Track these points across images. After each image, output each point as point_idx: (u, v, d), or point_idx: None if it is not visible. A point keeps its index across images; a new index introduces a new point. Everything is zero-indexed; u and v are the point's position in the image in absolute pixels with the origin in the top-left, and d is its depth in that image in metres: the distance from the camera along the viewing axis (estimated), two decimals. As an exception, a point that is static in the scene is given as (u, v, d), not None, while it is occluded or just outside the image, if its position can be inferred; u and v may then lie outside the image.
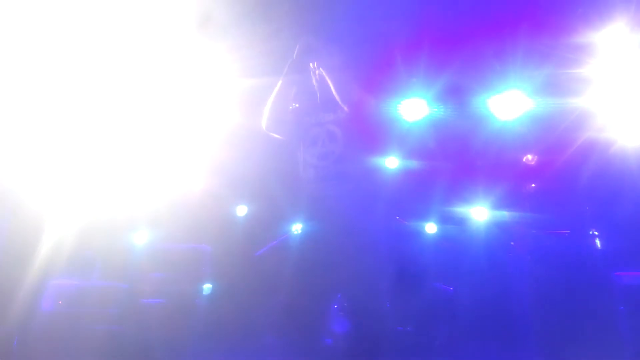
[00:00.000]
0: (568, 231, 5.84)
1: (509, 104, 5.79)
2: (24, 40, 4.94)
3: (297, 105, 3.57)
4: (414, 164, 5.97)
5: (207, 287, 6.21)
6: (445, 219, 6.49)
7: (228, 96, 6.03)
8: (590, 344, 4.98)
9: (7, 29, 4.80)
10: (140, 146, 6.13)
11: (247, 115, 5.93)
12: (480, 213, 6.42)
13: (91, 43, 5.23)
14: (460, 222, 6.46)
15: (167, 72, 5.75)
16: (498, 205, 6.31)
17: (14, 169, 5.43)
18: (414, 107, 5.86)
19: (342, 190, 3.15)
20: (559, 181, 5.91)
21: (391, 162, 5.70)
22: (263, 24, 5.31)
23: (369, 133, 3.30)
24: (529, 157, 6.12)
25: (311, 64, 3.40)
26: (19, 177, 5.47)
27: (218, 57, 5.57)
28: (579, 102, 5.67)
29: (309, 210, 3.27)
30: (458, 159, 6.08)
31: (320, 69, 3.40)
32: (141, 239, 6.56)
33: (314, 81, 3.40)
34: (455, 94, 5.93)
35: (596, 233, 5.78)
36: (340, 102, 3.32)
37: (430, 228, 6.69)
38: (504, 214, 6.27)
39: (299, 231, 3.91)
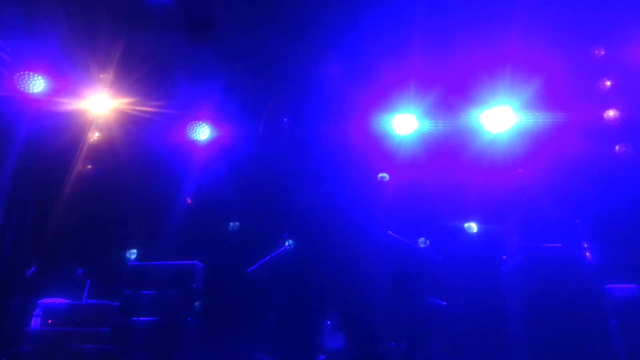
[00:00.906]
0: (560, 244, 5.85)
1: (498, 118, 5.87)
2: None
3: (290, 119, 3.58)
4: (405, 178, 6.00)
5: (198, 304, 6.15)
6: (438, 234, 6.48)
7: (222, 113, 6.07)
8: (581, 357, 4.99)
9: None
10: (133, 162, 6.14)
11: (240, 130, 5.97)
12: (472, 227, 6.43)
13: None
14: (453, 236, 6.46)
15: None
16: (490, 219, 6.33)
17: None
18: (405, 122, 5.92)
19: (336, 202, 3.14)
20: (551, 194, 5.94)
21: (383, 177, 5.73)
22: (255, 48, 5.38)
23: (363, 148, 3.30)
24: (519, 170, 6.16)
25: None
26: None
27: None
28: (570, 115, 5.75)
29: (303, 223, 3.25)
30: (449, 173, 6.10)
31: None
32: (132, 257, 6.52)
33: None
34: (446, 109, 5.99)
35: (587, 246, 5.81)
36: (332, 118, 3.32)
37: (424, 242, 6.67)
38: (496, 228, 6.29)
39: (291, 246, 3.88)
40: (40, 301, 5.74)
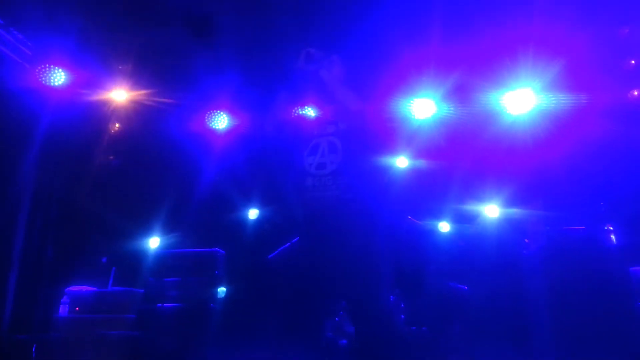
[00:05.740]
0: (583, 227, 5.75)
1: (519, 100, 5.75)
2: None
3: (298, 115, 3.57)
4: (424, 163, 5.96)
5: (221, 291, 6.25)
6: (458, 218, 6.46)
7: (238, 103, 6.09)
8: (606, 342, 4.92)
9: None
10: (153, 152, 6.22)
11: (257, 121, 5.98)
12: (493, 211, 6.39)
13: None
14: (473, 220, 6.43)
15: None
16: (511, 202, 6.27)
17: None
18: (424, 106, 5.86)
19: (339, 200, 3.12)
20: (572, 177, 5.84)
21: (401, 162, 5.70)
22: (270, 33, 5.34)
23: (373, 143, 3.27)
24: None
25: (313, 74, 3.38)
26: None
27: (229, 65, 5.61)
28: (591, 97, 5.61)
29: (306, 220, 3.25)
30: (469, 156, 6.04)
31: (322, 79, 3.37)
32: (156, 245, 6.64)
33: (316, 91, 3.38)
34: (465, 92, 5.90)
35: (611, 228, 5.69)
36: (341, 112, 3.29)
37: (444, 227, 6.67)
38: (517, 211, 6.23)
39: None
40: (67, 289, 5.89)
